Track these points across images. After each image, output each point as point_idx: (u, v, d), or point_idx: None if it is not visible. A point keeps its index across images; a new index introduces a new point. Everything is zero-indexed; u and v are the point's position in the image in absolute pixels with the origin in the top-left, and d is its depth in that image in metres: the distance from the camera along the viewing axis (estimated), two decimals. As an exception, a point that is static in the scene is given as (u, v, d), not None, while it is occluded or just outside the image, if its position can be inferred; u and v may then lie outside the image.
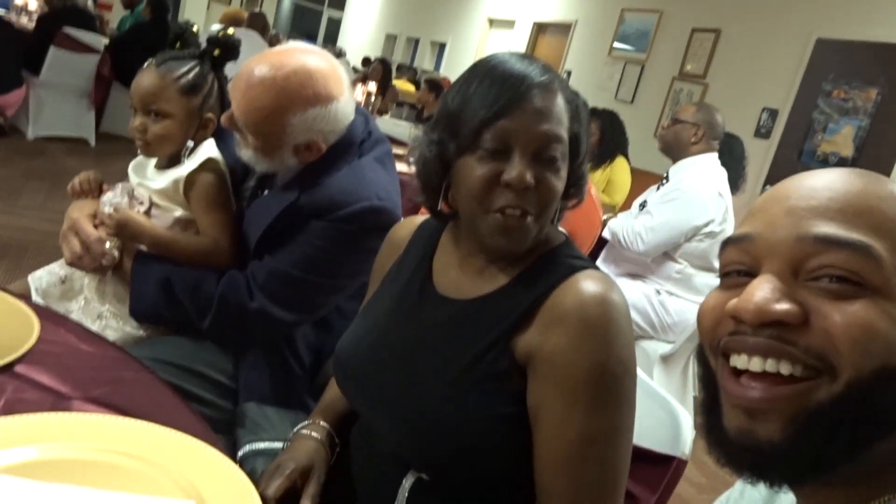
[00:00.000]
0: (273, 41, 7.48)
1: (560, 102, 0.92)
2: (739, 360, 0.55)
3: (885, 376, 0.50)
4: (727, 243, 0.60)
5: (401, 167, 3.15)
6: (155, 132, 1.40)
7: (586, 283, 0.89)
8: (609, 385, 0.85)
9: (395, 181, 1.45)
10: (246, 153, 1.37)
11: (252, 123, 1.30)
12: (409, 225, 1.13)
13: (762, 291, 0.53)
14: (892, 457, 0.52)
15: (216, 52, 1.47)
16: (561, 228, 1.04)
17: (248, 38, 5.59)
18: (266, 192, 1.48)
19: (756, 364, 0.53)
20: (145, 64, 1.43)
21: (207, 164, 1.41)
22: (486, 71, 0.92)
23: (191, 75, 1.42)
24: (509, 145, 0.89)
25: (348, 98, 1.36)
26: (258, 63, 1.29)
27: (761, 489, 0.71)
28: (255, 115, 1.29)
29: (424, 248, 1.06)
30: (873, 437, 0.51)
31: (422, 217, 1.12)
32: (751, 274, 0.57)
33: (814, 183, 0.57)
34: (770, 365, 0.53)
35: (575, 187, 0.98)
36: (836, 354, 0.50)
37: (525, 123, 0.88)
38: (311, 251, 1.33)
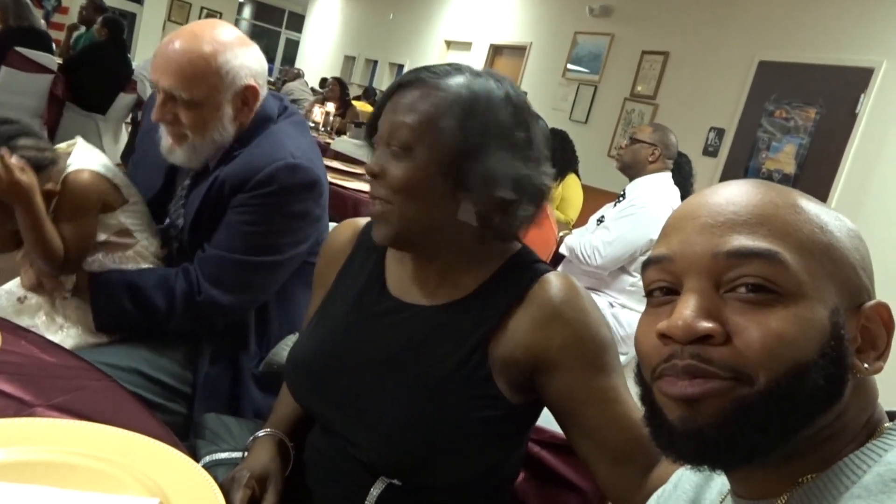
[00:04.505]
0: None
1: (426, 96, 0.93)
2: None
3: (798, 372, 0.55)
4: (648, 264, 0.65)
5: (360, 186, 3.19)
6: None
7: (560, 280, 0.97)
8: (612, 349, 0.96)
9: (311, 143, 1.46)
10: (181, 152, 1.35)
11: (191, 79, 1.30)
12: (351, 228, 1.12)
13: (688, 311, 0.58)
14: (814, 439, 0.58)
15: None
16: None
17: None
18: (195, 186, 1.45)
19: (684, 385, 0.58)
20: None
21: (84, 172, 1.36)
22: None
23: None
24: (378, 137, 0.97)
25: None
26: (178, 34, 1.34)
27: (693, 478, 0.75)
28: (194, 67, 1.30)
29: (371, 253, 1.07)
30: (798, 425, 0.56)
31: (363, 220, 1.12)
32: (674, 290, 0.62)
33: (717, 199, 0.62)
34: (697, 383, 0.57)
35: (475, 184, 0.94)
36: (749, 366, 0.56)
37: (387, 117, 0.96)
38: (242, 229, 1.34)
